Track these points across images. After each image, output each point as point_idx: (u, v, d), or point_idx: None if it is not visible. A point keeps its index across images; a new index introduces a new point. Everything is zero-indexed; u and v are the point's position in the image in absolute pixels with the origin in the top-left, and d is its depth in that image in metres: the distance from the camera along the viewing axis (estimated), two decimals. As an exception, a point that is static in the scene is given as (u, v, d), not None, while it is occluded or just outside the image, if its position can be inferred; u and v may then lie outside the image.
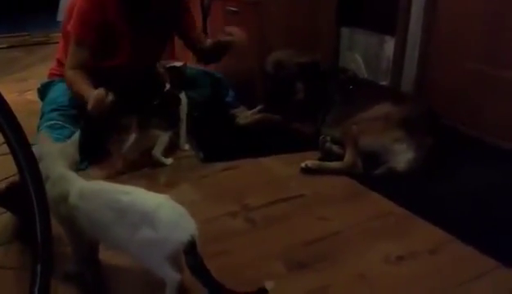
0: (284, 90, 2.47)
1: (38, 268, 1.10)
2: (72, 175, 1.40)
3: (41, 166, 1.35)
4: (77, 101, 2.18)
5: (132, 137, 2.14)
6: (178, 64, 2.39)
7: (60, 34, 2.51)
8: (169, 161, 2.20)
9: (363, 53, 3.07)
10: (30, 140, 1.10)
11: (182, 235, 1.22)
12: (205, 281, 1.24)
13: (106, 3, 2.21)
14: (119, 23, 2.26)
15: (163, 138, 2.17)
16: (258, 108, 2.65)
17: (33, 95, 2.72)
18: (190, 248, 1.22)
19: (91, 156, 2.07)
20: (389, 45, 2.88)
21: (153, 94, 2.27)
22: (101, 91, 1.98)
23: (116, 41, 2.29)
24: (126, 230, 1.26)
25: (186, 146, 2.35)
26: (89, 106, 1.97)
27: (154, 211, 1.25)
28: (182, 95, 2.32)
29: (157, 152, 2.16)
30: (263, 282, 1.25)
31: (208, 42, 2.56)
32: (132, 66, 2.34)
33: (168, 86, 2.29)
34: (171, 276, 1.24)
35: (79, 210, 1.32)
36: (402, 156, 2.05)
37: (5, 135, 1.04)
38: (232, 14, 2.91)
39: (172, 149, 2.28)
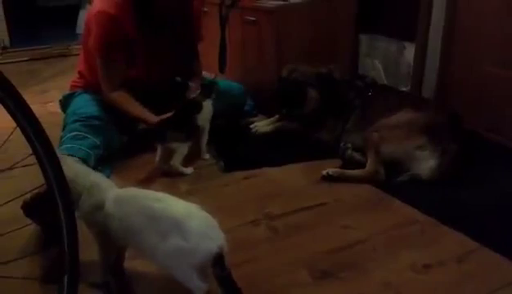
0: (296, 93, 2.46)
1: (66, 279, 1.10)
2: (107, 183, 1.42)
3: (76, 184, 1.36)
4: (108, 114, 2.28)
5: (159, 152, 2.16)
6: (210, 76, 2.39)
7: (81, 46, 2.54)
8: (189, 170, 2.20)
9: (382, 59, 3.05)
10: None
11: (212, 246, 1.22)
12: None
13: (121, 18, 2.22)
14: (134, 36, 2.28)
15: (182, 149, 2.17)
16: (277, 116, 2.64)
17: (54, 107, 2.76)
18: (218, 259, 1.22)
19: None
20: (409, 51, 2.86)
21: (170, 107, 2.27)
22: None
23: (132, 54, 2.31)
24: (155, 237, 1.26)
25: (207, 155, 2.35)
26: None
27: (185, 220, 1.25)
28: (208, 103, 2.31)
29: (176, 162, 2.16)
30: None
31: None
32: (149, 79, 2.36)
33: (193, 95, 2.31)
34: (198, 286, 1.24)
35: (114, 216, 1.34)
36: (426, 163, 2.02)
37: (33, 146, 1.05)
38: (250, 23, 2.92)
39: (192, 158, 2.28)
